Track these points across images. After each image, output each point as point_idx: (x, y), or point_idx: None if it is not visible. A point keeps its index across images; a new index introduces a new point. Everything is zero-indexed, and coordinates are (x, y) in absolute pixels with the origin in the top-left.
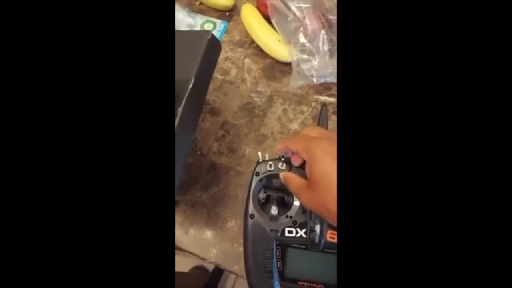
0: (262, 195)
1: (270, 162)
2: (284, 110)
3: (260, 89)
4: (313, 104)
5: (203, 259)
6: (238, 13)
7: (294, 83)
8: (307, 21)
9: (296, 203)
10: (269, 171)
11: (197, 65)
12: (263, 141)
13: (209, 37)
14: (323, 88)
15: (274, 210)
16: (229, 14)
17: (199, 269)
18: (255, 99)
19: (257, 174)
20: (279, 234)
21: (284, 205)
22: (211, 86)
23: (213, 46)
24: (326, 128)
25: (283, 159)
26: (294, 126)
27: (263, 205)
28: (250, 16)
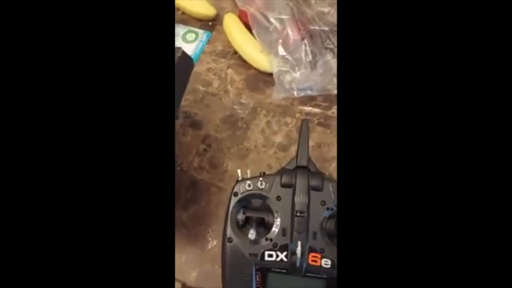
0: (240, 217)
1: (249, 182)
2: (268, 122)
3: (243, 100)
4: (297, 115)
5: (182, 283)
6: (221, 23)
7: (277, 95)
8: (288, 31)
9: (277, 222)
10: (248, 190)
11: None
12: (246, 155)
13: (179, 55)
14: (308, 99)
15: (252, 235)
16: (212, 24)
17: None
18: (238, 111)
19: (235, 194)
20: (259, 258)
21: (264, 226)
22: (192, 98)
23: (185, 63)
24: (307, 144)
25: (261, 179)
26: (279, 138)
27: (242, 227)
28: (232, 26)
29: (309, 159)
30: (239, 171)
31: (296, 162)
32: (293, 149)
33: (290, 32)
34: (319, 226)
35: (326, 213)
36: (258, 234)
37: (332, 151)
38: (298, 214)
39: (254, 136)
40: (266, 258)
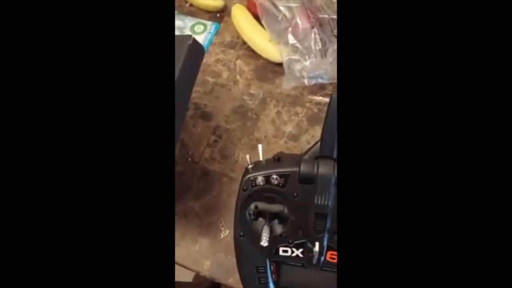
0: (252, 210)
1: (261, 178)
2: (278, 112)
3: (252, 91)
4: (307, 105)
5: (196, 272)
6: (229, 14)
7: (287, 84)
8: (298, 20)
9: (293, 220)
10: (258, 185)
11: (177, 72)
12: (256, 145)
13: (190, 42)
14: (318, 88)
15: (264, 242)
16: (220, 15)
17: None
18: (248, 101)
19: (245, 189)
20: (273, 253)
21: (279, 219)
22: (202, 90)
23: (195, 51)
24: (335, 127)
25: (275, 175)
26: (289, 128)
27: (254, 220)
28: (240, 16)
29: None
30: (248, 156)
31: (320, 151)
32: (304, 139)
33: (299, 21)
34: None
35: None
36: (271, 231)
37: None
38: (318, 216)
39: (264, 126)
40: (281, 253)
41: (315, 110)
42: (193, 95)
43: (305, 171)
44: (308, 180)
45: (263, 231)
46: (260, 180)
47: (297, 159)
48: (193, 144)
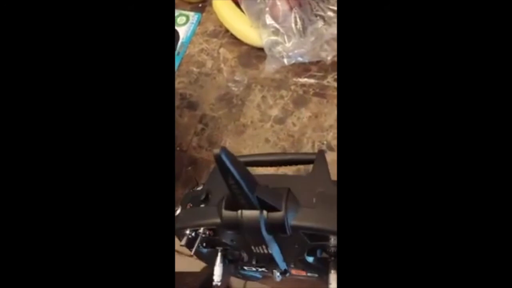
0: (201, 245)
1: (189, 231)
2: (263, 97)
3: (237, 78)
4: (292, 87)
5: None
6: (211, 3)
7: (269, 67)
8: (277, 1)
9: (243, 253)
10: (190, 237)
11: None
12: (243, 131)
13: None
14: (302, 69)
15: (216, 278)
16: (202, 5)
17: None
18: (233, 88)
19: (180, 239)
20: (239, 269)
21: (233, 247)
22: (186, 80)
23: None
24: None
25: (201, 224)
26: (275, 112)
27: (210, 249)
28: (221, 4)
29: (259, 189)
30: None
31: (239, 201)
32: (290, 121)
33: (278, 3)
34: (297, 260)
35: (304, 255)
36: (229, 255)
37: (329, 120)
38: (265, 258)
39: (250, 111)
40: (246, 269)
41: (300, 92)
42: (178, 85)
43: (229, 224)
44: (236, 230)
45: (215, 268)
46: (189, 232)
47: (220, 209)
48: (181, 133)
